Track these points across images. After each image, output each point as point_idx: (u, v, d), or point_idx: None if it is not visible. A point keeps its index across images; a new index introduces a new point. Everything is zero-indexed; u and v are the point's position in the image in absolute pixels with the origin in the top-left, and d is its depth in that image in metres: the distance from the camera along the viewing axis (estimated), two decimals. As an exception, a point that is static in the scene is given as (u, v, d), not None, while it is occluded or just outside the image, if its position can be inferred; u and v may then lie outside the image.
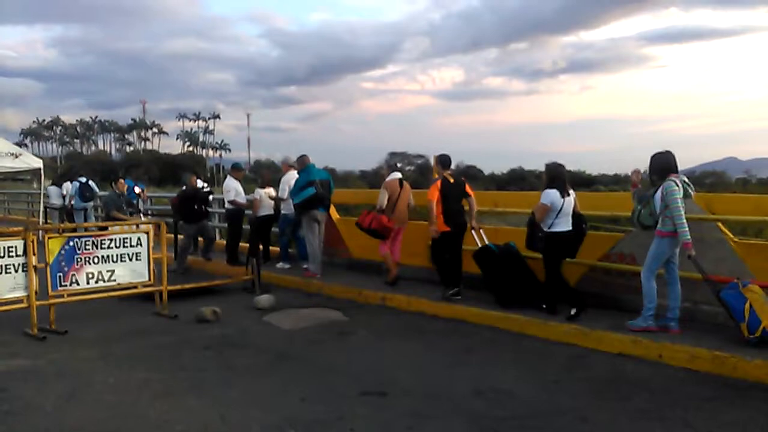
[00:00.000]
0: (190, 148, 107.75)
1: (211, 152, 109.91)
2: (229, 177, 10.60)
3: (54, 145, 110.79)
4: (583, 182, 57.17)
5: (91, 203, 14.11)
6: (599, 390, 4.83)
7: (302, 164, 9.37)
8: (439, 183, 7.50)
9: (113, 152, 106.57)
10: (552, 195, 6.61)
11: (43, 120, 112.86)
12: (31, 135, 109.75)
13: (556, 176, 6.77)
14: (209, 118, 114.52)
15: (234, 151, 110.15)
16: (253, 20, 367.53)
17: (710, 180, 56.23)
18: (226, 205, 10.36)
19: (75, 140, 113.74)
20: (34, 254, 6.47)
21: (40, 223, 14.27)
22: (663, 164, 6.04)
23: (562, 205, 6.61)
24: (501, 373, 5.25)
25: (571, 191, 6.76)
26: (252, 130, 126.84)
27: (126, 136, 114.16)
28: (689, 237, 5.70)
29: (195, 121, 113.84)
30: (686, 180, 5.99)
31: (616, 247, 7.04)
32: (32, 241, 6.46)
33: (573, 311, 6.50)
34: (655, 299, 5.97)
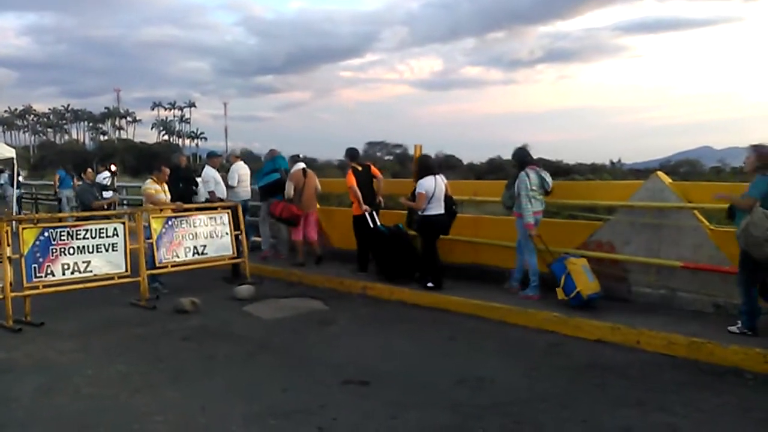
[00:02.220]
0: (166, 137, 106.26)
1: (187, 141, 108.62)
2: (207, 167, 10.48)
3: (27, 135, 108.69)
4: (560, 171, 57.38)
5: (21, 190, 17.29)
6: (578, 376, 4.90)
7: (271, 155, 10.29)
8: (351, 172, 8.56)
9: (87, 141, 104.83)
10: (426, 183, 7.49)
11: (15, 109, 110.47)
12: (3, 124, 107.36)
13: (427, 167, 7.70)
14: (185, 107, 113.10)
15: (211, 140, 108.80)
16: (229, 8, 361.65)
17: (684, 169, 56.85)
18: (206, 195, 10.25)
19: (48, 129, 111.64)
20: (8, 245, 6.34)
21: (14, 213, 14.14)
22: (521, 157, 7.15)
23: (434, 191, 7.47)
24: (483, 361, 5.29)
25: (440, 178, 7.61)
26: (229, 119, 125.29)
27: (100, 125, 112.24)
28: (530, 220, 6.84)
29: (170, 109, 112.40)
30: (544, 175, 7.07)
31: (594, 236, 7.12)
32: (6, 232, 6.33)
33: (430, 284, 7.50)
34: (530, 267, 7.00)
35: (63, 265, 6.67)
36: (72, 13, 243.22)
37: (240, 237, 8.60)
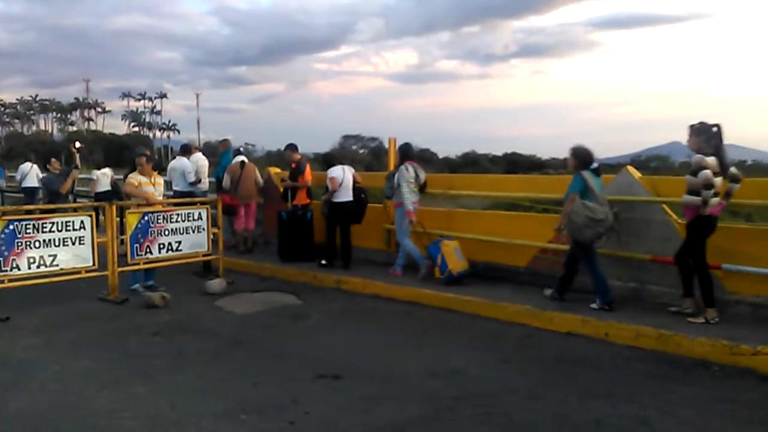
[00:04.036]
0: (136, 129, 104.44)
1: (158, 133, 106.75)
2: (179, 158, 10.34)
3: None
4: (534, 166, 57.96)
5: None
6: (549, 368, 4.94)
7: (225, 147, 10.53)
8: (309, 166, 9.42)
9: (55, 132, 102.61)
10: (335, 171, 8.38)
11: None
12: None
13: (334, 158, 8.75)
14: (156, 98, 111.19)
15: (183, 132, 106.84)
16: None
17: (655, 164, 57.78)
18: (175, 187, 10.11)
19: (15, 120, 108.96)
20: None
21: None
22: (403, 152, 7.95)
23: (342, 180, 8.28)
24: (455, 354, 5.30)
25: (347, 168, 8.53)
26: (201, 110, 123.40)
27: (68, 115, 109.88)
28: (410, 208, 7.63)
29: (140, 100, 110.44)
30: (419, 171, 7.83)
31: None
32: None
33: (323, 261, 8.44)
34: (413, 253, 7.73)
35: (29, 258, 6.51)
36: (42, 1, 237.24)
37: (216, 233, 8.43)
